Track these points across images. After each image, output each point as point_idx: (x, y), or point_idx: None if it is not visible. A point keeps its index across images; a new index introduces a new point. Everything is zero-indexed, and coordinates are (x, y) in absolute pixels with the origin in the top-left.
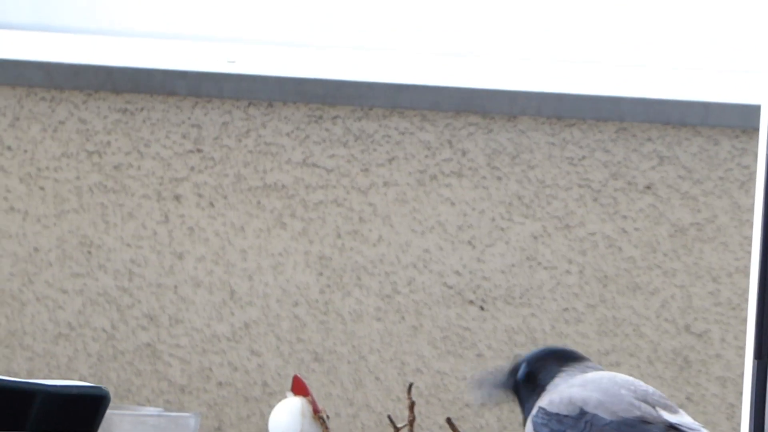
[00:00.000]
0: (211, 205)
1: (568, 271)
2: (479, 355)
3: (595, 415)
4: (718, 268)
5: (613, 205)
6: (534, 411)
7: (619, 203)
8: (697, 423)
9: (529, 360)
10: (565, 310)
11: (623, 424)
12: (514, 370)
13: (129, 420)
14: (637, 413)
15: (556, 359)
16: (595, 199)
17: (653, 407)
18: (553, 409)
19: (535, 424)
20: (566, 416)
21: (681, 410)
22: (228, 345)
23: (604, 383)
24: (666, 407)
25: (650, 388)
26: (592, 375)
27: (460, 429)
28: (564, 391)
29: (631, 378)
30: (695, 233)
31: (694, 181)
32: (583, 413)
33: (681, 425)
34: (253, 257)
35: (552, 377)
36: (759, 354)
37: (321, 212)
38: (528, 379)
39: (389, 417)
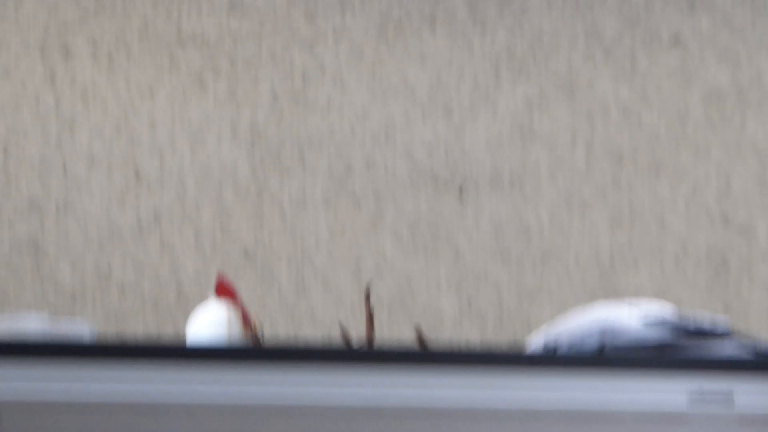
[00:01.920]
0: (111, 60)
1: (572, 147)
2: (456, 254)
3: (558, 347)
4: (764, 143)
5: (630, 62)
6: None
7: (638, 60)
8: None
9: None
10: (568, 196)
11: (584, 340)
12: None
13: (5, 331)
14: (602, 323)
15: None
16: (608, 55)
17: (628, 311)
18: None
19: None
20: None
21: (679, 313)
22: (132, 239)
23: (572, 316)
24: (650, 309)
25: (639, 302)
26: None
27: (431, 343)
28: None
29: (619, 303)
30: (735, 98)
31: (734, 31)
32: (548, 350)
33: (657, 317)
34: (165, 128)
35: None
36: None
37: (252, 70)
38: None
39: (341, 327)
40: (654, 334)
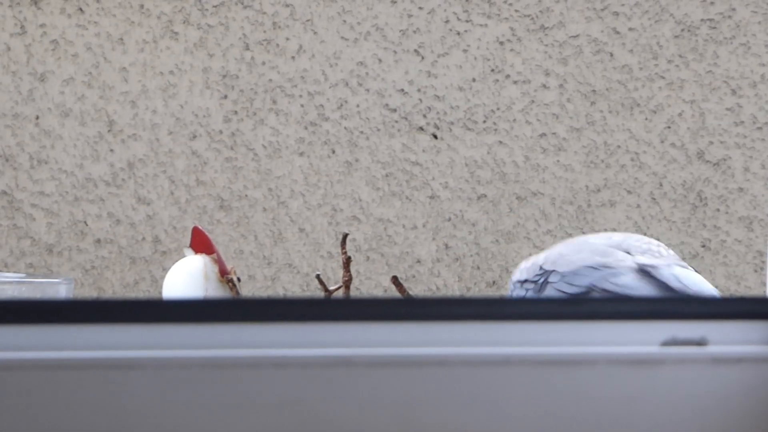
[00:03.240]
0: (80, 10)
1: (544, 86)
2: (433, 197)
3: (552, 272)
4: (738, 77)
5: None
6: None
7: None
8: (690, 271)
9: None
10: (542, 135)
11: (577, 273)
12: None
13: None
14: (598, 259)
15: None
16: None
17: (630, 254)
18: (519, 277)
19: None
20: (527, 281)
21: (683, 262)
22: (107, 191)
23: (578, 239)
24: (653, 255)
25: (645, 240)
26: (571, 239)
27: (409, 290)
28: (532, 258)
29: (630, 234)
30: (708, 33)
31: None
32: (542, 272)
33: (652, 266)
34: (137, 77)
35: None
36: None
37: (222, 16)
38: None
39: (318, 277)
40: (644, 290)
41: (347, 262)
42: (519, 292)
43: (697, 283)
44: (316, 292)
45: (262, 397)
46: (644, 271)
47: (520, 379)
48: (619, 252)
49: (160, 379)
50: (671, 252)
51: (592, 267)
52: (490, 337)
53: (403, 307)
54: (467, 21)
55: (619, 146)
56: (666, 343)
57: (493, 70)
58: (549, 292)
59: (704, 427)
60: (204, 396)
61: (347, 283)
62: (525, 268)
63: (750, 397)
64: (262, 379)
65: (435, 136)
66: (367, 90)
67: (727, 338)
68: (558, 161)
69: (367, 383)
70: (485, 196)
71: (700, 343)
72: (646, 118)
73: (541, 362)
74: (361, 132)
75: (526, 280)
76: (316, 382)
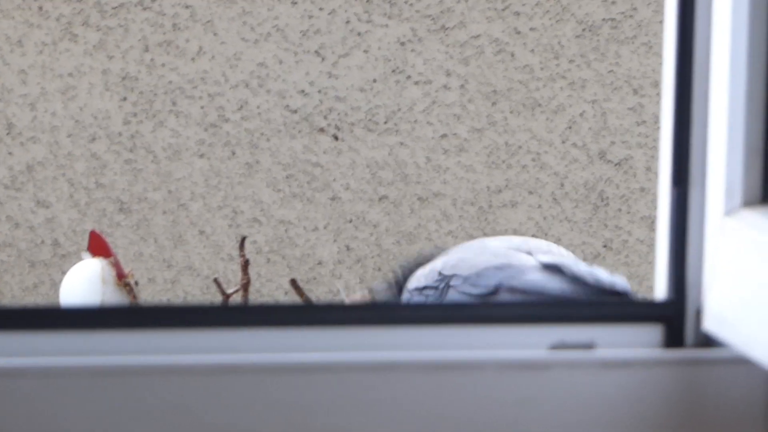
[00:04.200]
0: None
1: (446, 87)
2: (334, 198)
3: (453, 276)
4: (640, 77)
5: None
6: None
7: None
8: (594, 269)
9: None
10: (444, 136)
11: (481, 275)
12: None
13: None
14: (502, 260)
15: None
16: None
17: (531, 255)
18: (417, 284)
19: None
20: (426, 287)
21: (580, 261)
22: (6, 194)
23: (476, 243)
24: (554, 256)
25: (544, 243)
26: (466, 244)
27: (308, 293)
28: (429, 266)
29: (528, 238)
30: (609, 32)
31: None
32: (442, 277)
33: (560, 264)
34: (36, 79)
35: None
36: (678, 179)
37: (122, 18)
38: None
39: (216, 280)
40: (553, 284)
41: (245, 265)
42: (418, 299)
43: (609, 277)
44: (216, 295)
45: (156, 405)
46: (552, 268)
47: (411, 383)
48: (521, 253)
49: (51, 387)
50: (570, 254)
51: (496, 267)
52: (379, 342)
53: (292, 313)
54: (368, 21)
55: (520, 146)
56: (555, 347)
57: (394, 71)
58: (452, 296)
59: (593, 431)
60: (98, 404)
61: (245, 286)
62: (422, 275)
63: (638, 400)
64: (155, 386)
65: (336, 137)
66: (268, 91)
67: (616, 341)
68: (459, 162)
69: (259, 389)
70: (386, 197)
71: (589, 346)
72: (548, 118)
73: (431, 367)
74: (262, 133)
75: (425, 287)
76: (209, 388)
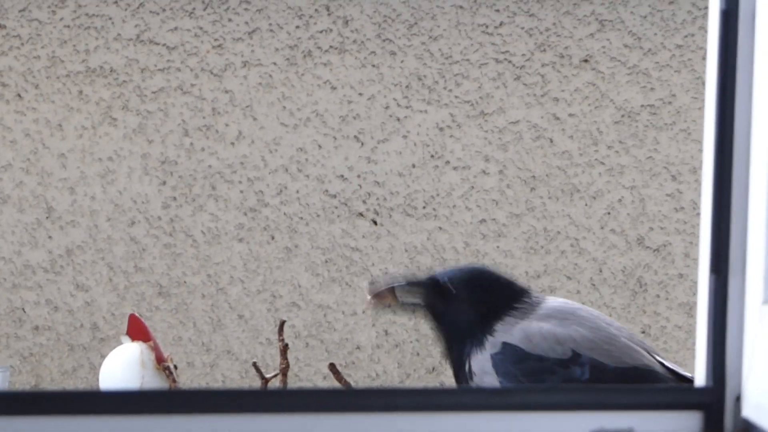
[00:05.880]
0: (19, 96)
1: (484, 172)
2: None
3: (593, 360)
4: (678, 163)
5: (540, 85)
6: (495, 348)
7: (549, 82)
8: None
9: (453, 279)
10: (482, 222)
11: (630, 372)
12: (433, 285)
13: None
14: (645, 361)
15: (489, 285)
16: (518, 78)
17: (650, 353)
18: (533, 349)
19: (496, 362)
20: (549, 358)
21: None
22: (45, 278)
23: (585, 317)
24: (653, 351)
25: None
26: (559, 304)
27: (346, 378)
28: (538, 326)
29: (596, 311)
30: (648, 118)
31: (645, 51)
32: (576, 356)
33: (683, 373)
34: (75, 163)
35: (500, 309)
36: (717, 267)
37: (161, 102)
38: (458, 303)
39: (254, 365)
40: (576, 373)
41: (284, 350)
42: (533, 366)
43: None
44: (255, 379)
45: None
46: (679, 376)
47: None
48: (644, 351)
49: None
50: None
51: (639, 374)
52: (418, 428)
53: (331, 399)
54: (407, 107)
55: (559, 232)
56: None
57: (432, 156)
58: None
59: None
60: None
61: (284, 371)
62: (537, 340)
63: None
64: None
65: (375, 222)
66: (307, 176)
67: (655, 428)
68: (498, 247)
69: None
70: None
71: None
72: (586, 204)
73: None
74: (301, 218)
75: (548, 358)
76: None
